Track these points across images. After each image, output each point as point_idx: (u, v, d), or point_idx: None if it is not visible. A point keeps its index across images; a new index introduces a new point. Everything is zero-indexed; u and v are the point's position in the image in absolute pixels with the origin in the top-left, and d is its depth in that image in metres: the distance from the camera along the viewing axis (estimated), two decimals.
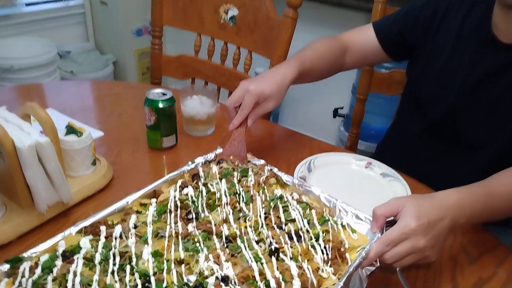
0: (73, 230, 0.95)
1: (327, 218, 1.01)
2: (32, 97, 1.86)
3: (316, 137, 1.63)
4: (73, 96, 1.91)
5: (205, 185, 1.09)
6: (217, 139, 1.60)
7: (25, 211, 1.10)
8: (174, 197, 1.03)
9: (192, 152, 1.51)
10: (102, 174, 1.28)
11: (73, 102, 1.84)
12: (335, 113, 3.24)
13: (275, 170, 1.21)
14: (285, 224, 0.99)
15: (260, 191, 1.10)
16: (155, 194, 1.10)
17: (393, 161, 1.45)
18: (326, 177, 1.33)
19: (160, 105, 1.40)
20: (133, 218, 0.97)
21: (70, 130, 1.24)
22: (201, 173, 1.14)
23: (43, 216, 1.12)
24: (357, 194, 1.26)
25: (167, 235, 0.91)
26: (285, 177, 1.18)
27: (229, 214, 0.99)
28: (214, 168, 1.15)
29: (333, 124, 3.40)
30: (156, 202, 1.05)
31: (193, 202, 1.02)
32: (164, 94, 1.44)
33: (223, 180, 1.10)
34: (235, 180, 1.12)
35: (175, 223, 0.96)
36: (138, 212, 1.02)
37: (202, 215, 0.99)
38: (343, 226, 1.02)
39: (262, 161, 1.25)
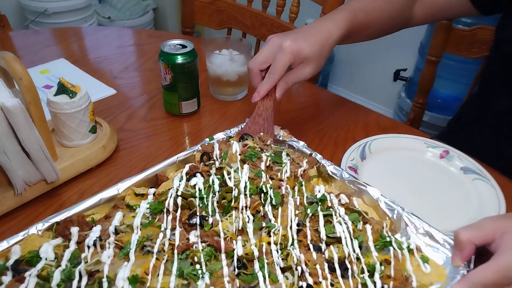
0: (40, 227, 0.71)
1: (388, 239, 0.70)
2: (48, 42, 1.62)
3: (370, 103, 1.28)
4: (92, 44, 1.66)
5: (219, 171, 0.81)
6: (250, 106, 1.29)
7: None
8: (177, 190, 0.75)
9: (217, 120, 1.22)
10: (102, 145, 1.03)
11: (90, 52, 1.59)
12: (396, 75, 2.79)
13: (318, 156, 0.90)
14: (327, 244, 0.69)
15: (296, 188, 0.80)
16: (157, 180, 0.84)
17: (469, 145, 1.09)
18: (385, 170, 1.00)
19: (178, 61, 1.11)
20: (117, 218, 0.71)
21: (61, 89, 0.98)
22: (217, 151, 0.85)
23: (21, 198, 0.89)
24: (429, 197, 0.92)
25: (156, 249, 0.65)
26: (331, 167, 0.87)
27: (248, 222, 0.71)
28: (235, 146, 0.86)
29: (392, 89, 2.96)
30: (154, 194, 0.78)
31: (201, 199, 0.74)
32: (183, 46, 1.13)
33: (246, 166, 0.81)
34: (263, 166, 0.82)
35: (172, 229, 0.70)
36: (129, 206, 0.76)
37: (211, 220, 0.71)
38: (410, 251, 0.71)
39: (301, 143, 0.94)
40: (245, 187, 0.75)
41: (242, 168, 0.81)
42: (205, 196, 0.75)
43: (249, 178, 0.79)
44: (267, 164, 0.83)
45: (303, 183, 0.80)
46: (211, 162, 0.85)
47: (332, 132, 1.17)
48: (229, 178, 0.78)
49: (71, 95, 0.98)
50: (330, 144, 1.11)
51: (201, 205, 0.74)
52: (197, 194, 0.75)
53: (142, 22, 3.52)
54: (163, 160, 0.90)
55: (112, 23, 3.40)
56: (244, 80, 1.29)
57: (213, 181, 0.77)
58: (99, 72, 1.44)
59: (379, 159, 1.02)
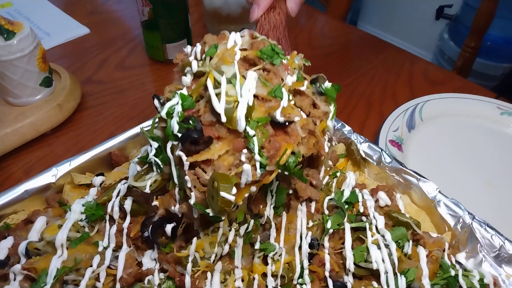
0: None
1: (452, 272, 0.44)
2: None
3: (405, 45, 0.97)
4: None
5: (196, 83, 0.47)
6: None
7: None
8: (129, 186, 0.50)
9: None
10: (57, 103, 0.78)
11: None
12: (440, 12, 2.37)
13: (346, 128, 0.62)
14: (355, 277, 0.44)
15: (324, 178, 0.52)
16: (110, 160, 0.59)
17: None
18: (443, 146, 0.71)
19: None
20: (37, 227, 0.47)
21: None
22: (197, 48, 0.48)
23: None
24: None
25: (85, 283, 0.41)
26: (364, 146, 0.59)
27: (236, 247, 0.45)
28: (233, 38, 0.48)
29: (433, 28, 2.54)
30: (100, 186, 0.53)
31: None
32: None
33: (252, 74, 0.45)
34: (288, 79, 0.47)
35: (116, 248, 0.45)
36: (62, 205, 0.52)
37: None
38: (484, 286, 0.45)
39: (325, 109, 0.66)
40: (246, 117, 0.42)
41: (244, 76, 0.45)
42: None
43: (255, 96, 0.44)
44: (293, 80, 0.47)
45: (323, 175, 0.52)
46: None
47: (365, 87, 0.87)
48: (217, 95, 0.43)
49: (6, 35, 0.72)
50: (362, 106, 0.82)
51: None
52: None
53: None
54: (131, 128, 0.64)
55: None
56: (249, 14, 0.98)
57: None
58: (73, 6, 1.16)
59: (433, 130, 0.74)
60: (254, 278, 0.43)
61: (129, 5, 1.12)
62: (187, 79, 0.47)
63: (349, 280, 0.44)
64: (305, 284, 0.44)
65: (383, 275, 0.43)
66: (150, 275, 0.44)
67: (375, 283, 0.44)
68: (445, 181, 0.56)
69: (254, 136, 0.42)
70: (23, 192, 0.53)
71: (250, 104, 0.43)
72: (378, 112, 0.80)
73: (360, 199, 0.51)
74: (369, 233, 0.47)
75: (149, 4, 0.83)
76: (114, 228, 0.46)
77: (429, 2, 2.50)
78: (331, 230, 0.46)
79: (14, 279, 0.42)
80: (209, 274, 0.43)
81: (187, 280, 0.42)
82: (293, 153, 0.43)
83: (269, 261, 0.45)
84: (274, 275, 0.44)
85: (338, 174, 0.53)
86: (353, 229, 0.48)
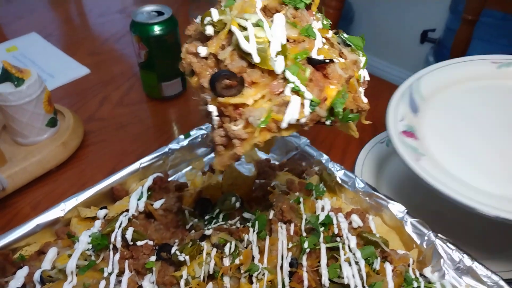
0: None
1: (415, 284, 0.50)
2: (20, 13, 1.42)
3: (394, 68, 1.04)
4: (70, 14, 1.45)
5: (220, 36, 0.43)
6: None
7: None
8: (130, 217, 0.56)
9: None
10: (61, 142, 0.85)
11: (66, 23, 1.39)
12: (424, 37, 2.47)
13: (324, 158, 0.69)
14: None
15: (296, 203, 0.59)
16: (112, 195, 0.65)
17: None
18: (454, 119, 0.68)
19: (152, 32, 0.90)
20: (49, 257, 0.54)
21: (4, 75, 0.79)
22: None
23: None
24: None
25: None
26: (340, 173, 0.66)
27: (222, 265, 0.52)
28: None
29: (419, 52, 2.65)
30: (104, 218, 0.59)
31: (158, 230, 0.55)
32: (159, 13, 0.92)
33: (280, 16, 0.43)
34: (316, 24, 0.45)
35: (119, 273, 0.51)
36: (70, 236, 0.58)
37: (181, 257, 0.52)
38: None
39: (303, 139, 0.73)
40: (284, 63, 0.39)
41: (271, 20, 0.42)
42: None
43: (288, 40, 0.42)
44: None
45: (301, 199, 0.59)
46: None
47: None
48: (246, 38, 0.40)
49: (16, 82, 0.79)
50: (343, 136, 0.89)
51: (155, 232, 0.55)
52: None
53: None
54: (130, 163, 0.71)
55: None
56: None
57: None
58: (74, 46, 1.24)
59: (438, 106, 0.69)
60: None
61: (127, 46, 1.20)
62: (209, 30, 0.43)
63: None
64: None
65: None
66: None
67: None
68: (469, 156, 0.61)
69: (296, 72, 0.39)
70: (35, 226, 0.59)
71: (284, 42, 0.41)
72: (359, 140, 0.87)
73: (335, 221, 0.57)
74: (342, 252, 0.53)
75: (145, 47, 0.91)
76: (118, 255, 0.52)
77: (414, 26, 2.62)
78: (308, 250, 0.53)
79: None
80: None
81: None
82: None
83: (254, 280, 0.51)
84: None
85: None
86: (328, 249, 0.54)
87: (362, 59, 0.48)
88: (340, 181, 0.65)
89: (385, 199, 0.61)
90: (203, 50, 0.43)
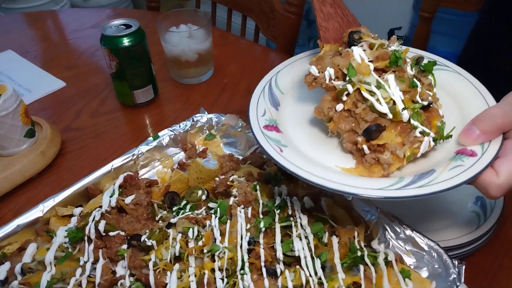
0: None
1: (359, 253, 0.57)
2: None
3: None
4: (44, 31, 1.50)
5: (357, 94, 0.60)
6: (217, 87, 1.14)
7: None
8: (102, 212, 0.62)
9: (179, 108, 1.08)
10: (40, 151, 0.89)
11: (42, 40, 1.43)
12: (391, 35, 2.57)
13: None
14: (286, 265, 0.56)
15: (251, 190, 0.66)
16: (87, 194, 0.71)
17: None
18: (310, 110, 0.70)
19: (121, 44, 0.96)
20: (29, 252, 0.59)
21: None
22: (330, 70, 0.62)
23: None
24: None
25: None
26: None
27: (187, 248, 0.58)
28: (358, 52, 0.61)
29: None
30: (79, 215, 0.65)
31: (130, 222, 0.61)
32: (127, 26, 0.98)
33: (391, 76, 0.59)
34: (409, 70, 0.62)
35: (95, 261, 0.57)
36: (48, 234, 0.64)
37: (149, 243, 0.58)
38: (388, 263, 0.58)
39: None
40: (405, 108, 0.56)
41: (385, 80, 0.59)
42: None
43: (403, 93, 0.58)
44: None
45: (258, 187, 0.66)
46: None
47: None
48: (377, 101, 0.57)
49: None
50: None
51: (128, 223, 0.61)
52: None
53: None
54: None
55: (86, 2, 3.19)
56: (206, 58, 1.13)
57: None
58: (50, 62, 1.29)
59: (297, 98, 0.73)
60: (204, 273, 0.55)
61: (100, 59, 1.25)
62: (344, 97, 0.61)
63: (279, 267, 0.56)
64: (246, 274, 0.56)
65: (303, 259, 0.55)
66: (122, 280, 0.56)
67: (298, 267, 0.56)
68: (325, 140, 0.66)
69: (417, 118, 0.57)
70: (16, 227, 0.64)
71: (402, 98, 0.58)
72: None
73: (289, 204, 0.64)
74: (294, 229, 0.59)
75: (115, 58, 0.97)
76: (92, 246, 0.58)
77: (381, 25, 2.72)
78: (263, 229, 0.59)
79: None
80: (168, 272, 0.55)
81: (151, 277, 0.54)
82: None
83: (216, 258, 0.57)
84: (220, 269, 0.56)
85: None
86: (283, 227, 0.60)
87: (431, 78, 0.64)
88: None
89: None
90: (340, 107, 0.61)
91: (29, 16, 1.60)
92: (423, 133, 0.57)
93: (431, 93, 0.62)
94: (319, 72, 0.64)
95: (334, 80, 0.62)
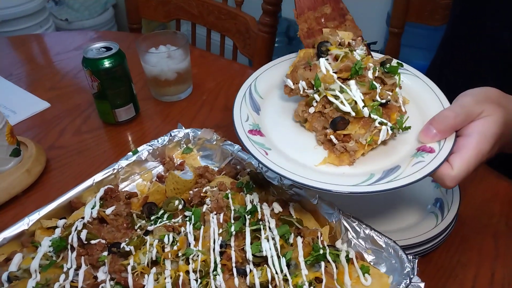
0: None
1: (321, 251, 0.62)
2: None
3: None
4: (28, 54, 1.54)
5: (324, 101, 0.69)
6: (195, 105, 1.20)
7: None
8: (84, 222, 0.66)
9: (159, 124, 1.14)
10: (26, 169, 0.94)
11: (26, 63, 1.48)
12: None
13: (253, 162, 0.81)
14: (256, 265, 0.61)
15: (222, 201, 0.71)
16: (71, 207, 0.75)
17: None
18: (286, 114, 0.78)
19: (102, 66, 1.01)
20: (15, 261, 0.63)
21: None
22: (302, 83, 0.71)
23: None
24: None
25: None
26: (267, 172, 0.78)
27: (164, 251, 0.62)
28: (323, 64, 0.71)
29: None
30: (63, 226, 0.69)
31: (110, 231, 0.66)
32: (107, 49, 1.03)
33: (352, 82, 0.69)
34: (370, 75, 0.70)
35: (78, 268, 0.61)
36: (33, 244, 0.68)
37: (128, 248, 0.63)
38: (349, 260, 0.63)
39: (236, 146, 0.85)
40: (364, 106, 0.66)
41: (348, 85, 0.68)
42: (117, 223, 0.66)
43: (363, 94, 0.68)
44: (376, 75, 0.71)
45: (229, 195, 0.71)
46: None
47: None
48: (341, 103, 0.66)
49: None
50: None
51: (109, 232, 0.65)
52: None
53: (102, 20, 3.37)
54: None
55: (70, 25, 3.25)
56: (185, 77, 1.19)
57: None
58: (34, 84, 1.33)
59: (275, 102, 0.78)
60: (179, 275, 0.60)
61: (83, 80, 1.30)
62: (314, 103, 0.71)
63: (249, 267, 0.61)
64: (218, 274, 0.60)
65: (270, 258, 0.61)
66: (103, 284, 0.60)
67: (266, 266, 0.61)
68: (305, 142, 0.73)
69: (376, 113, 0.66)
70: (2, 239, 0.68)
71: (363, 98, 0.67)
72: None
73: (259, 209, 0.69)
74: (262, 232, 0.64)
75: (97, 79, 1.02)
76: (75, 253, 0.62)
77: None
78: (234, 232, 0.64)
79: None
80: (146, 275, 0.60)
81: (130, 280, 0.58)
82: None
83: (190, 261, 0.62)
84: (194, 271, 0.61)
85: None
86: (253, 231, 0.65)
87: (397, 78, 0.72)
88: (267, 178, 0.77)
89: (301, 187, 0.73)
90: (312, 110, 0.70)
91: (14, 40, 1.65)
92: (381, 123, 0.66)
93: (390, 93, 0.70)
94: (294, 84, 0.73)
95: (307, 89, 0.72)
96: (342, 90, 0.68)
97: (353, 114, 0.66)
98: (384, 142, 0.71)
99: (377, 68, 0.71)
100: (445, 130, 0.65)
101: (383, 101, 0.68)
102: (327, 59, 0.73)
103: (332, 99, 0.67)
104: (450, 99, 0.77)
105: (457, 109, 0.65)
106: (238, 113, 0.72)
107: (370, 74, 0.70)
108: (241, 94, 0.77)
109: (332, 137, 0.68)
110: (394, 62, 0.74)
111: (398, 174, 0.63)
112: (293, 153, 0.69)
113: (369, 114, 0.66)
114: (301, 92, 0.72)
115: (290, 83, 0.73)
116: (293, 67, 0.76)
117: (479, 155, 0.62)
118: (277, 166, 0.63)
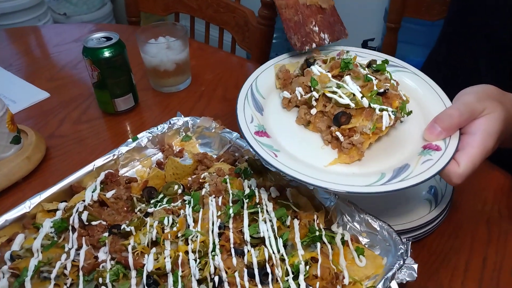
0: None
1: (317, 233, 0.64)
2: None
3: None
4: (28, 45, 1.55)
5: (323, 98, 0.72)
6: (194, 95, 1.21)
7: None
8: (85, 205, 0.68)
9: (158, 115, 1.15)
10: (26, 156, 0.95)
11: (25, 54, 1.49)
12: (364, 46, 2.69)
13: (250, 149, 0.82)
14: (253, 246, 0.63)
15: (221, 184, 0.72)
16: (71, 191, 0.76)
17: None
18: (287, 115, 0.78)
19: (102, 55, 1.02)
20: (17, 241, 0.64)
21: None
22: (300, 92, 0.74)
23: None
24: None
25: (54, 274, 0.58)
26: None
27: (164, 232, 0.64)
28: (316, 69, 0.75)
29: None
30: (64, 209, 0.70)
31: (111, 214, 0.67)
32: (108, 39, 1.04)
33: (347, 78, 0.72)
34: (362, 70, 0.74)
35: (78, 248, 0.62)
36: (35, 226, 0.69)
37: (128, 229, 0.64)
38: (344, 242, 0.65)
39: (234, 134, 0.87)
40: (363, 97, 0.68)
41: (343, 81, 0.71)
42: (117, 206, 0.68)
43: (360, 87, 0.69)
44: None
45: (228, 180, 0.73)
46: None
47: None
48: (340, 97, 0.68)
49: None
50: None
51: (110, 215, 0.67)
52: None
53: (100, 15, 3.37)
54: None
55: (68, 19, 3.25)
56: (183, 68, 1.20)
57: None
58: (34, 74, 1.34)
59: (277, 101, 0.78)
60: (179, 255, 0.61)
61: (83, 70, 1.31)
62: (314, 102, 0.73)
63: (247, 248, 0.63)
64: (217, 255, 0.62)
65: (267, 239, 0.62)
66: (103, 263, 0.61)
67: (263, 247, 0.63)
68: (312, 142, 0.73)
69: (376, 102, 0.67)
70: (4, 221, 0.69)
71: (360, 90, 0.68)
72: None
73: (257, 194, 0.71)
74: (260, 215, 0.66)
75: (97, 69, 1.03)
76: (76, 234, 0.63)
77: (355, 37, 2.84)
78: (232, 214, 0.66)
79: (3, 277, 0.59)
80: (146, 255, 0.61)
81: (130, 259, 0.59)
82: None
83: (189, 242, 0.63)
84: (194, 251, 0.62)
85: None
86: (250, 213, 0.67)
87: (387, 74, 0.75)
88: (264, 164, 0.79)
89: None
90: (314, 111, 0.72)
91: (12, 32, 1.66)
92: (382, 110, 0.67)
93: (388, 84, 0.72)
94: (291, 94, 0.74)
95: (304, 95, 0.73)
96: (339, 86, 0.70)
97: (352, 105, 0.67)
98: (389, 139, 0.73)
99: (366, 69, 0.74)
100: (450, 128, 0.67)
101: (381, 90, 0.70)
102: (317, 63, 0.76)
103: (330, 94, 0.69)
104: (447, 94, 0.79)
105: (461, 107, 0.67)
106: (242, 114, 0.70)
107: (362, 70, 0.73)
108: (243, 94, 0.75)
109: (338, 133, 0.68)
110: (379, 61, 0.77)
111: (409, 172, 0.64)
112: (301, 154, 0.69)
113: (369, 104, 0.67)
114: (299, 98, 0.73)
115: (286, 94, 0.75)
116: (281, 73, 0.80)
117: (484, 152, 0.64)
118: (289, 169, 0.62)
